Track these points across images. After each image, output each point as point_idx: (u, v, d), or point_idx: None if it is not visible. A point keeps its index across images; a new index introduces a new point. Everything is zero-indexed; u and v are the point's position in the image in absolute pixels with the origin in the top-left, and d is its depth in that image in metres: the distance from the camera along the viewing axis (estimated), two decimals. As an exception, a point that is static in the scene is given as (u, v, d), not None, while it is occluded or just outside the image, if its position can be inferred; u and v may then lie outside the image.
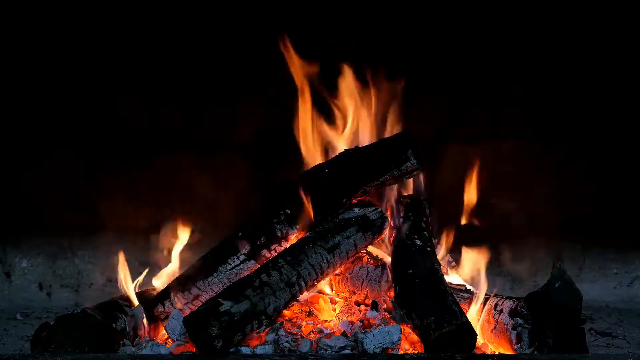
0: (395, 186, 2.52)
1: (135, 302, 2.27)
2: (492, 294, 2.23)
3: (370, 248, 2.47)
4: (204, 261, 2.36)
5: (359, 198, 2.43)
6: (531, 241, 3.21)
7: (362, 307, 2.35)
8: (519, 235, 3.18)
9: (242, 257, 2.32)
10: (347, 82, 2.61)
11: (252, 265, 2.30)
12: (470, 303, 2.22)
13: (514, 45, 3.15)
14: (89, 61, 3.17)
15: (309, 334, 2.14)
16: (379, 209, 2.40)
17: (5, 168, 3.21)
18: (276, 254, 2.28)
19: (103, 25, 3.13)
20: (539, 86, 3.20)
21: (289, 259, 2.15)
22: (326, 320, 2.29)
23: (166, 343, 2.17)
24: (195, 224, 2.59)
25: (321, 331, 2.15)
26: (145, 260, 3.03)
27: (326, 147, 2.60)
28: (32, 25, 3.12)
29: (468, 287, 2.35)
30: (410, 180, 2.56)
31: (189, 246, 2.59)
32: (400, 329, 2.02)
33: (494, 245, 2.86)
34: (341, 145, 2.57)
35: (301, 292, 2.18)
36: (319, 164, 2.49)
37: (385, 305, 2.30)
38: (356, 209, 2.37)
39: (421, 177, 2.58)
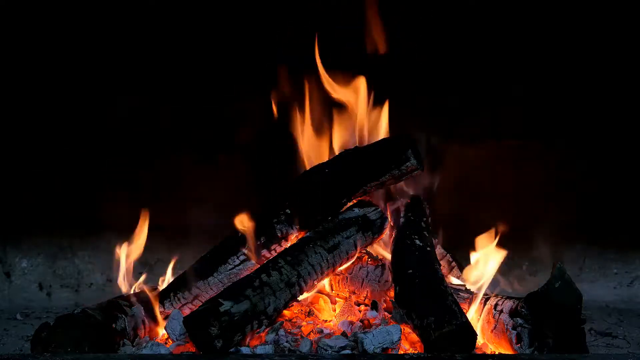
0: (395, 186, 2.52)
1: (136, 302, 2.27)
2: (492, 294, 2.23)
3: (370, 248, 2.47)
4: (204, 261, 2.37)
5: (359, 198, 2.43)
6: (531, 241, 3.21)
7: (362, 307, 2.35)
8: (518, 235, 3.17)
9: (242, 257, 2.32)
10: (347, 83, 2.62)
11: (252, 265, 2.30)
12: (470, 303, 2.22)
13: (514, 45, 3.15)
14: (90, 61, 3.17)
15: (309, 334, 2.14)
16: (379, 209, 2.40)
17: (5, 168, 3.21)
18: (276, 254, 2.28)
19: (105, 27, 3.14)
20: (539, 86, 3.20)
21: (289, 259, 2.15)
22: (326, 320, 2.29)
23: (166, 343, 2.17)
24: (195, 224, 2.60)
25: (321, 331, 2.15)
26: (146, 261, 3.03)
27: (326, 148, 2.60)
28: (33, 26, 3.12)
29: (468, 287, 2.35)
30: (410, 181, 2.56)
31: (189, 246, 2.59)
32: (400, 329, 2.02)
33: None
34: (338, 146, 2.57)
35: (301, 292, 2.18)
36: (319, 164, 2.49)
37: (385, 305, 2.30)
38: (356, 209, 2.37)
39: (421, 177, 2.58)
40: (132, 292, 2.36)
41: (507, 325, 2.03)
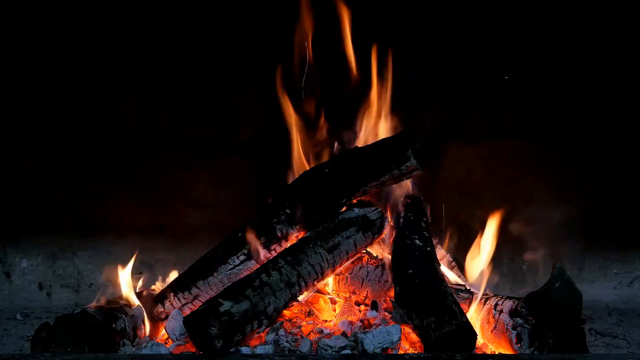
0: (395, 186, 2.52)
1: (136, 302, 2.27)
2: (492, 294, 2.23)
3: (370, 248, 2.47)
4: (204, 261, 2.36)
5: (359, 198, 2.43)
6: (531, 241, 3.21)
7: (362, 307, 2.35)
8: (518, 235, 3.18)
9: (242, 257, 2.32)
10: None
11: (252, 265, 2.30)
12: (470, 303, 2.22)
13: (514, 45, 3.16)
14: (90, 61, 3.18)
15: (309, 334, 2.14)
16: (379, 209, 2.40)
17: (6, 168, 3.21)
18: (276, 254, 2.28)
19: (103, 27, 3.14)
20: (539, 86, 3.21)
21: (289, 259, 2.15)
22: (326, 320, 2.29)
23: (166, 343, 2.17)
24: (195, 224, 2.60)
25: (321, 331, 2.15)
26: (146, 261, 3.04)
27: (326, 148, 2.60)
28: (27, 23, 3.12)
29: (468, 287, 2.35)
30: (410, 181, 2.55)
31: (189, 246, 2.59)
32: (400, 329, 2.02)
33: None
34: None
35: (301, 292, 2.18)
36: (319, 164, 2.49)
37: (385, 305, 2.30)
38: (356, 209, 2.37)
39: (421, 177, 2.58)
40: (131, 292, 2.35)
41: (507, 325, 2.03)
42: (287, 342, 2.05)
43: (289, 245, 2.32)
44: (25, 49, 3.15)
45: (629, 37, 3.14)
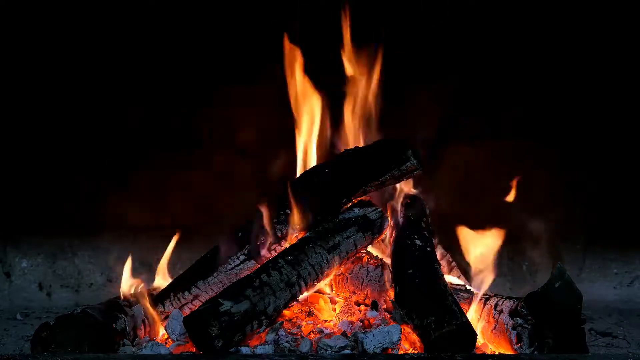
0: (395, 186, 2.52)
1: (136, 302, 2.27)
2: (492, 294, 2.23)
3: (370, 248, 2.46)
4: (204, 261, 2.36)
5: (359, 198, 2.43)
6: (531, 241, 3.21)
7: (362, 307, 2.35)
8: (518, 235, 3.18)
9: (242, 257, 2.32)
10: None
11: (252, 265, 2.30)
12: (470, 303, 2.22)
13: (514, 45, 3.16)
14: (89, 61, 3.18)
15: (309, 334, 2.14)
16: (379, 209, 2.40)
17: (6, 168, 3.21)
18: (276, 254, 2.28)
19: (103, 29, 3.14)
20: (539, 86, 3.21)
21: (289, 258, 2.15)
22: (326, 320, 2.29)
23: (166, 343, 2.17)
24: (195, 224, 2.59)
25: (321, 331, 2.15)
26: (146, 260, 3.04)
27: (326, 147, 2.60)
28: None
29: (468, 287, 2.35)
30: (410, 181, 2.55)
31: (189, 246, 2.59)
32: (400, 329, 2.02)
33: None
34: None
35: (301, 292, 2.18)
36: (319, 164, 2.49)
37: (385, 305, 2.30)
38: (356, 209, 2.37)
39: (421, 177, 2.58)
40: (132, 292, 2.35)
41: (507, 325, 2.03)
42: (287, 342, 2.05)
43: (289, 245, 2.32)
44: (17, 47, 3.15)
45: (629, 38, 3.14)
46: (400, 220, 2.46)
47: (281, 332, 2.08)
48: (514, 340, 1.99)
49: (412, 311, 2.03)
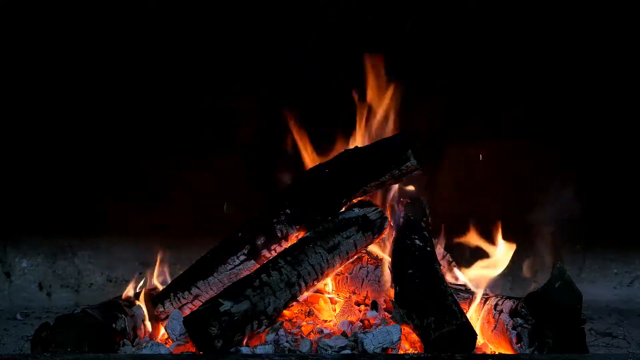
0: (395, 186, 2.52)
1: (136, 302, 2.28)
2: (492, 294, 2.23)
3: (370, 248, 2.46)
4: (204, 261, 2.36)
5: (359, 198, 2.43)
6: (531, 241, 3.21)
7: (362, 307, 2.35)
8: (518, 235, 3.17)
9: (242, 257, 2.32)
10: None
11: (252, 265, 2.30)
12: (470, 303, 2.22)
13: (514, 45, 3.16)
14: (90, 62, 3.18)
15: (309, 334, 2.14)
16: (379, 209, 2.40)
17: (6, 168, 3.21)
18: (276, 254, 2.28)
19: (103, 29, 3.14)
20: (539, 86, 3.20)
21: (289, 259, 2.15)
22: (326, 320, 2.29)
23: (166, 343, 2.17)
24: (195, 224, 2.59)
25: (321, 331, 2.16)
26: (146, 260, 3.03)
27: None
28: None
29: (468, 287, 2.35)
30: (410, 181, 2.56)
31: (189, 246, 2.59)
32: (400, 329, 2.02)
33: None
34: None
35: (301, 292, 2.18)
36: (319, 164, 2.49)
37: (385, 305, 2.30)
38: (356, 209, 2.37)
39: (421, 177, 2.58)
40: (131, 292, 2.36)
41: (507, 325, 2.03)
42: (287, 342, 2.05)
43: (289, 245, 2.32)
44: (18, 48, 3.15)
45: (629, 38, 3.14)
46: (400, 220, 2.46)
47: (281, 332, 2.08)
48: (514, 340, 1.99)
49: (412, 311, 2.03)
